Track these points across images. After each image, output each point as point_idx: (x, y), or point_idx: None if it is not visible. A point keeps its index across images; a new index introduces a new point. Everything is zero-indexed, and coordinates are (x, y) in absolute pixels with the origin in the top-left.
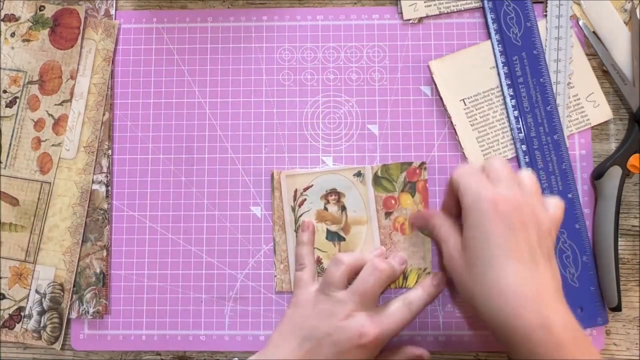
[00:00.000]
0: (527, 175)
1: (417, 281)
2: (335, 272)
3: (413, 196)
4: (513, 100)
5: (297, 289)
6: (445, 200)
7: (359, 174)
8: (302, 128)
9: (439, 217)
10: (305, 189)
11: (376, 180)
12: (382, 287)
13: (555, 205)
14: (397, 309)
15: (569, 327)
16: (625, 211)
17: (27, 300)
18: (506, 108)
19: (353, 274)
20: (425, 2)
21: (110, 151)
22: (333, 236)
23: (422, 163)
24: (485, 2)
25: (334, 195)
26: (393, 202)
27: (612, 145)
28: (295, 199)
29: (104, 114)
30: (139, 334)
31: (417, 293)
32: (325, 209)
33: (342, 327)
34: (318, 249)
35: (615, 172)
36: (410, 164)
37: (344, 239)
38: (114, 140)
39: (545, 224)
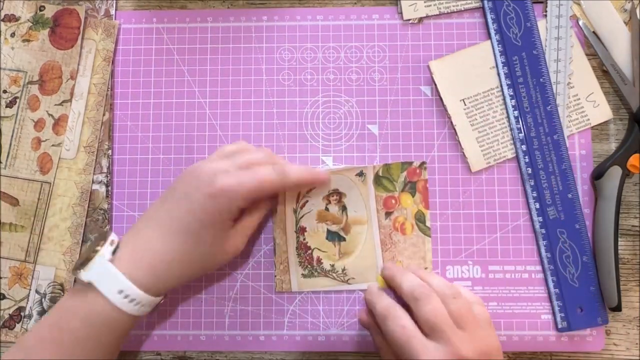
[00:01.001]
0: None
1: None
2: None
3: (413, 196)
4: (513, 100)
5: None
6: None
7: (361, 174)
8: (302, 128)
9: (377, 330)
10: (308, 191)
11: (377, 180)
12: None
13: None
14: (264, 169)
15: None
16: (625, 211)
17: (27, 300)
18: (506, 108)
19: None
20: (425, 2)
21: (110, 151)
22: (333, 236)
23: (423, 163)
24: (485, 2)
25: (336, 195)
26: (393, 202)
27: (612, 145)
28: (297, 201)
29: (104, 114)
30: (139, 333)
31: (296, 168)
32: (326, 209)
33: (200, 177)
34: (318, 249)
35: (615, 172)
36: (410, 163)
37: (344, 239)
38: (114, 140)
39: None
